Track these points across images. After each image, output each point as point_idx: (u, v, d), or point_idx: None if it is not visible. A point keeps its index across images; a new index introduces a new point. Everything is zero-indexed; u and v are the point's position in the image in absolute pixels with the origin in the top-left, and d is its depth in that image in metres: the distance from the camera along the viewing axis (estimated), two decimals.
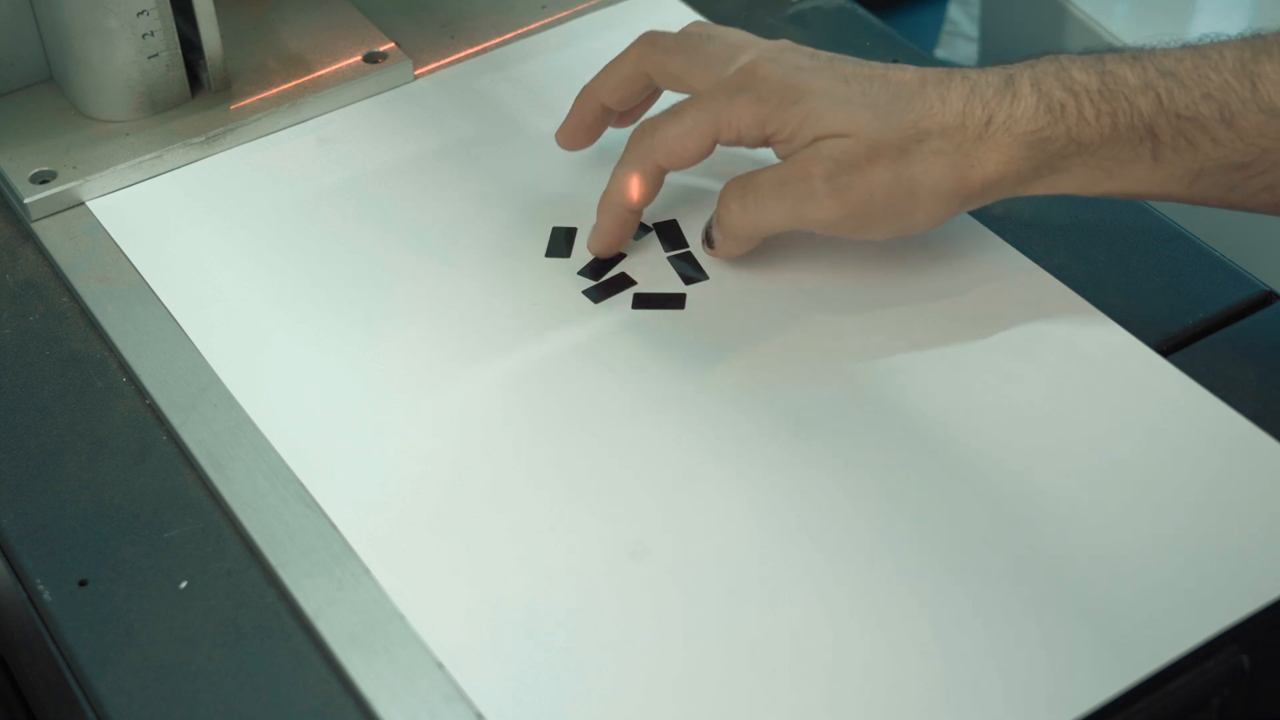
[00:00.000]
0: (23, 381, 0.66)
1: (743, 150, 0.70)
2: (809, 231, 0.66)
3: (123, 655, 0.57)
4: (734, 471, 0.61)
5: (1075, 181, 0.63)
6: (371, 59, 0.78)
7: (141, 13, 0.72)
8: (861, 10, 0.82)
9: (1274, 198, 0.62)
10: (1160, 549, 0.58)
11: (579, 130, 0.71)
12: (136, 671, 0.56)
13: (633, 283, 0.68)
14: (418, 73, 0.79)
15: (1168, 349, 0.65)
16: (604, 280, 0.68)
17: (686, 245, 0.70)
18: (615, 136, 0.71)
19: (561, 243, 0.70)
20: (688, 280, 0.68)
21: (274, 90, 0.76)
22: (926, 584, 0.57)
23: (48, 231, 0.72)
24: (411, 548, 0.59)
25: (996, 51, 1.15)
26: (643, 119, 0.67)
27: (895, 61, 0.75)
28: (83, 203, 0.73)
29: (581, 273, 0.69)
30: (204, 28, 0.74)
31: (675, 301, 0.68)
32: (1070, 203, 0.71)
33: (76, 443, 0.64)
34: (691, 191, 0.72)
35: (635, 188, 0.67)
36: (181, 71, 0.75)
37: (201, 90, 0.76)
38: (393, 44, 0.79)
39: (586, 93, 0.70)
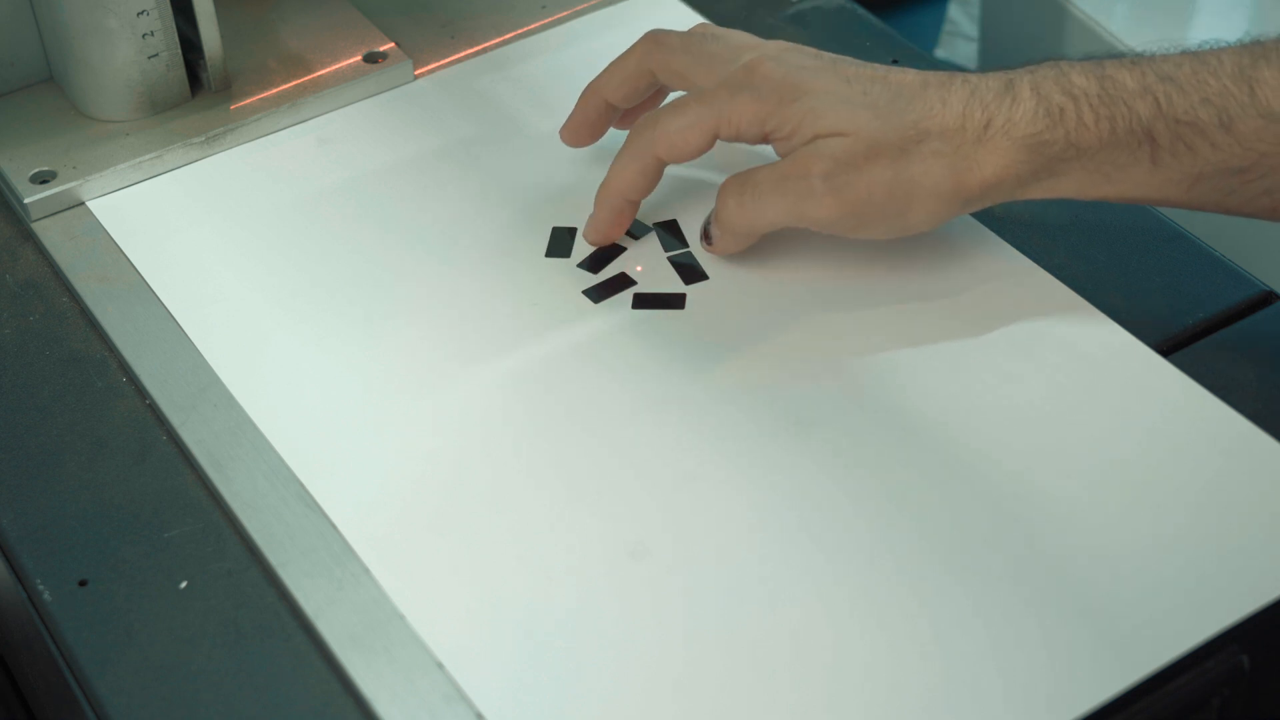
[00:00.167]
0: (23, 381, 0.66)
1: (743, 146, 0.70)
2: (807, 231, 0.66)
3: (123, 655, 0.57)
4: (734, 471, 0.61)
5: (1074, 185, 0.63)
6: (371, 59, 0.78)
7: (141, 13, 0.72)
8: (861, 10, 0.82)
9: (1272, 202, 0.62)
10: (1160, 549, 0.58)
11: (583, 127, 0.72)
12: (136, 671, 0.56)
13: (633, 283, 0.68)
14: (418, 73, 0.79)
15: (1168, 349, 0.65)
16: (604, 280, 0.68)
17: (686, 245, 0.70)
18: (616, 136, 0.71)
19: (562, 242, 0.70)
20: (688, 280, 0.68)
21: (274, 90, 0.76)
22: (926, 584, 0.57)
23: (48, 231, 0.72)
24: (411, 548, 0.59)
25: (996, 51, 1.15)
26: (645, 115, 0.68)
27: (895, 62, 0.75)
28: (83, 203, 0.73)
29: (581, 265, 0.69)
30: (204, 28, 0.74)
31: (675, 301, 0.68)
32: (1070, 203, 0.71)
33: (76, 443, 0.64)
34: (692, 191, 0.72)
35: (634, 179, 0.67)
36: (181, 71, 0.75)
37: (201, 90, 0.76)
38: (393, 44, 0.79)
39: (591, 90, 0.71)
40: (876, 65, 0.66)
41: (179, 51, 0.74)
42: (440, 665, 0.56)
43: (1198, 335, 0.66)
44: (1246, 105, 0.61)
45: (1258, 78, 0.61)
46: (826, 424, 0.62)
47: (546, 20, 0.81)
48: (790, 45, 0.67)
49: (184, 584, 0.59)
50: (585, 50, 0.79)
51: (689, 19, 0.80)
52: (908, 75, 0.65)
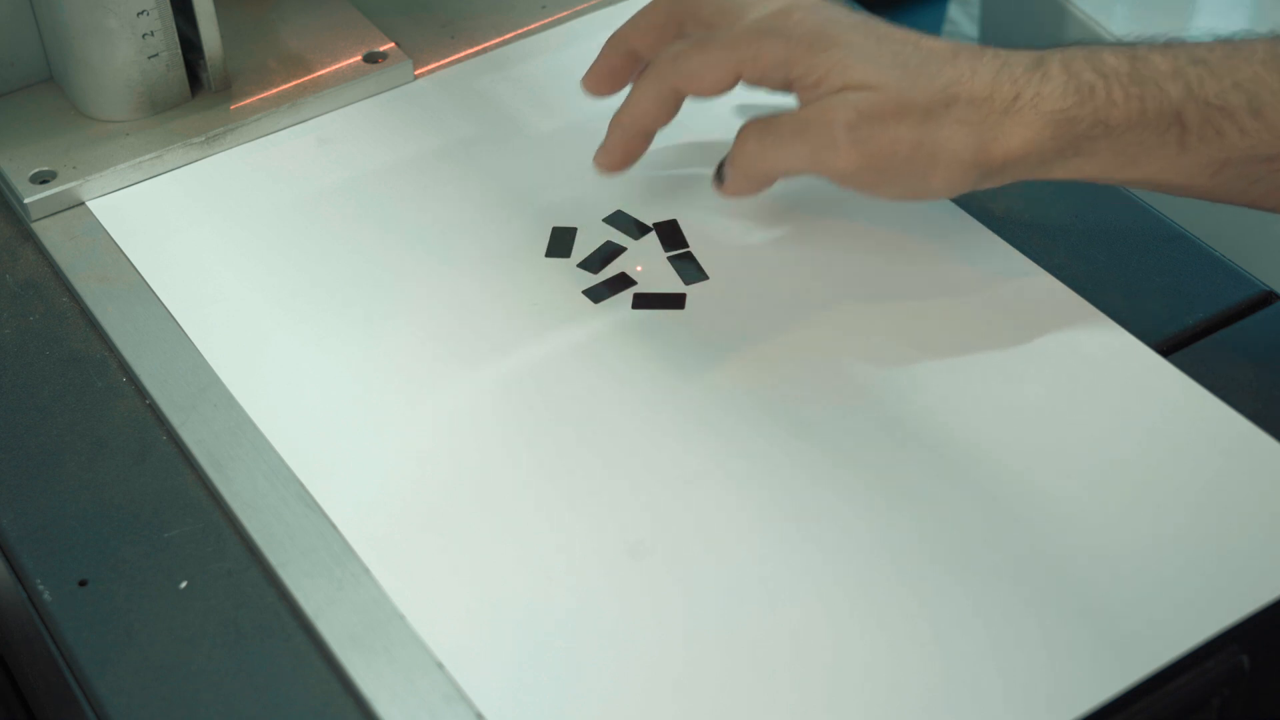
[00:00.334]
0: (23, 381, 0.66)
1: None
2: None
3: (123, 655, 0.57)
4: (734, 471, 0.61)
5: (1098, 165, 0.63)
6: (371, 59, 0.78)
7: (141, 13, 0.72)
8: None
9: None
10: (1160, 549, 0.58)
11: (605, 76, 0.70)
12: (136, 671, 0.56)
13: (633, 283, 0.68)
14: (418, 73, 0.79)
15: (1168, 349, 0.65)
16: (604, 280, 0.68)
17: (686, 245, 0.70)
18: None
19: (562, 242, 0.70)
20: (688, 280, 0.68)
21: (274, 90, 0.76)
22: (926, 584, 0.57)
23: (48, 231, 0.72)
24: (411, 548, 0.59)
25: None
26: (670, 45, 0.67)
27: None
28: (83, 203, 0.73)
29: (581, 265, 0.69)
30: (204, 28, 0.74)
31: (675, 301, 0.68)
32: (1070, 202, 0.71)
33: (76, 443, 0.64)
34: (692, 191, 0.72)
35: (649, 108, 0.66)
36: (181, 71, 0.75)
37: (201, 90, 0.76)
38: (393, 44, 0.79)
39: (616, 38, 0.70)
40: (908, 29, 0.65)
41: (179, 51, 0.74)
42: (440, 665, 0.56)
43: (1198, 335, 0.66)
44: (1277, 91, 0.61)
45: None
46: (826, 424, 0.62)
47: (546, 20, 0.81)
48: (824, 1, 0.66)
49: (184, 584, 0.59)
50: (585, 50, 0.79)
51: None
52: (939, 42, 0.64)
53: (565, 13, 0.81)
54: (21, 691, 0.72)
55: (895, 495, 0.60)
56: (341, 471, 0.62)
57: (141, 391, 0.65)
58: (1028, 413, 0.63)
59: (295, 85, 0.77)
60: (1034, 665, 0.55)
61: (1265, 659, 0.58)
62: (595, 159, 0.69)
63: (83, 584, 0.59)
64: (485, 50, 0.80)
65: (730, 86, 0.65)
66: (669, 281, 0.68)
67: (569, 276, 0.69)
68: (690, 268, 0.69)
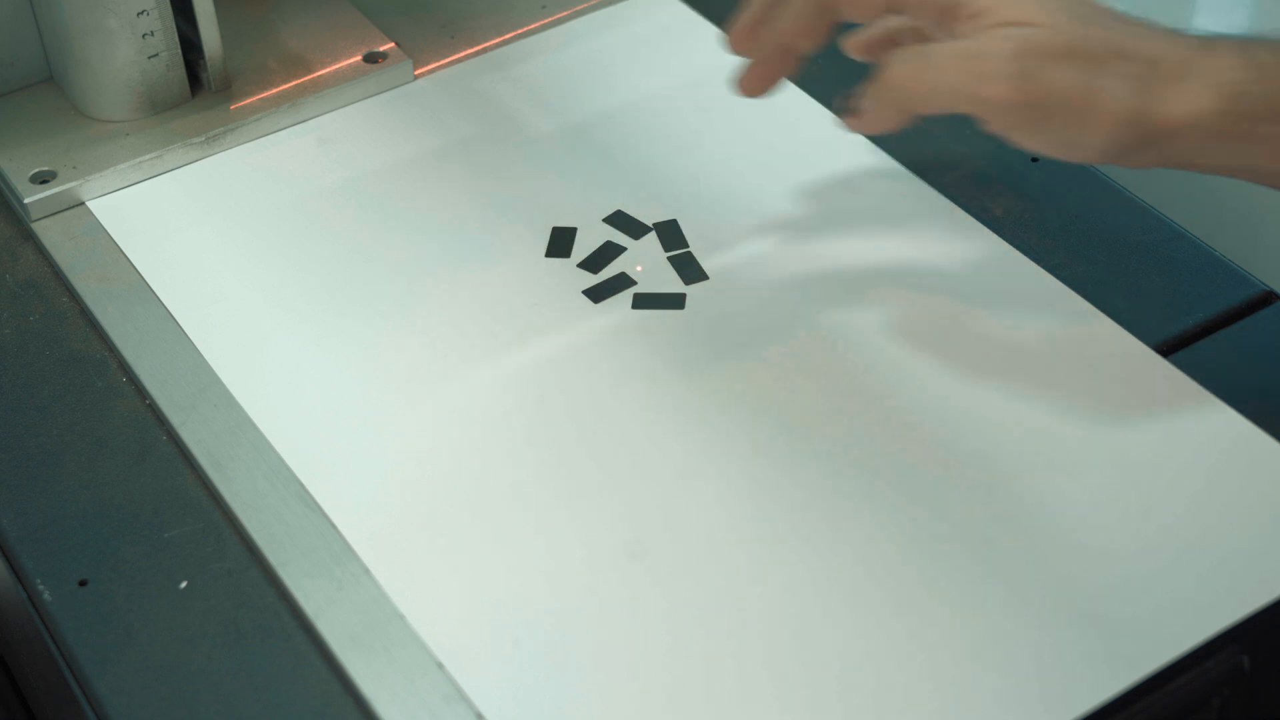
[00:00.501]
0: (23, 381, 0.66)
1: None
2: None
3: (123, 655, 0.57)
4: (733, 471, 0.61)
5: (1265, 153, 0.59)
6: (371, 59, 0.78)
7: (141, 13, 0.72)
8: None
9: None
10: (1160, 549, 0.58)
11: (762, 78, 0.66)
12: (136, 671, 0.56)
13: (633, 283, 0.68)
14: (418, 73, 0.79)
15: (1168, 349, 0.65)
16: (604, 280, 0.68)
17: (686, 245, 0.70)
18: (611, 144, 0.71)
19: (562, 242, 0.70)
20: (688, 280, 0.68)
21: (274, 90, 0.76)
22: (925, 584, 0.57)
23: (48, 231, 0.72)
24: (411, 548, 0.59)
25: None
26: None
27: None
28: (83, 203, 0.73)
29: (581, 265, 0.69)
30: (204, 28, 0.74)
31: (675, 301, 0.68)
32: (1070, 202, 0.71)
33: (76, 443, 0.64)
34: (692, 191, 0.72)
35: (795, 21, 0.62)
36: (181, 71, 0.75)
37: (201, 90, 0.76)
38: (393, 44, 0.79)
39: (755, 33, 0.64)
40: None
41: (179, 51, 0.74)
42: (440, 665, 0.56)
43: (1198, 335, 0.66)
44: None
45: None
46: (825, 424, 0.62)
47: (546, 20, 0.81)
48: None
49: (184, 584, 0.59)
50: (585, 50, 0.79)
51: (689, 19, 0.80)
52: (1110, 10, 0.60)
53: (565, 13, 0.81)
54: (21, 691, 0.72)
55: (895, 495, 0.60)
56: (341, 471, 0.62)
57: (141, 391, 0.65)
58: (1028, 412, 0.62)
59: (295, 85, 0.77)
60: (1034, 665, 0.55)
61: (1265, 659, 0.58)
62: (737, 83, 0.65)
63: (83, 584, 0.59)
64: (485, 50, 0.80)
65: (884, 8, 0.61)
66: (669, 281, 0.68)
67: (569, 276, 0.69)
68: (690, 268, 0.69)
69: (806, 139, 0.74)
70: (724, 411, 0.63)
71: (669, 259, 0.69)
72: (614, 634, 0.56)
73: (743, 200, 0.71)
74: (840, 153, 0.73)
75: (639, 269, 0.69)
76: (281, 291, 0.69)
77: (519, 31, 0.81)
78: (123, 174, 0.73)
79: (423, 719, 0.54)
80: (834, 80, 0.77)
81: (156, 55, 0.74)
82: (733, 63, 0.77)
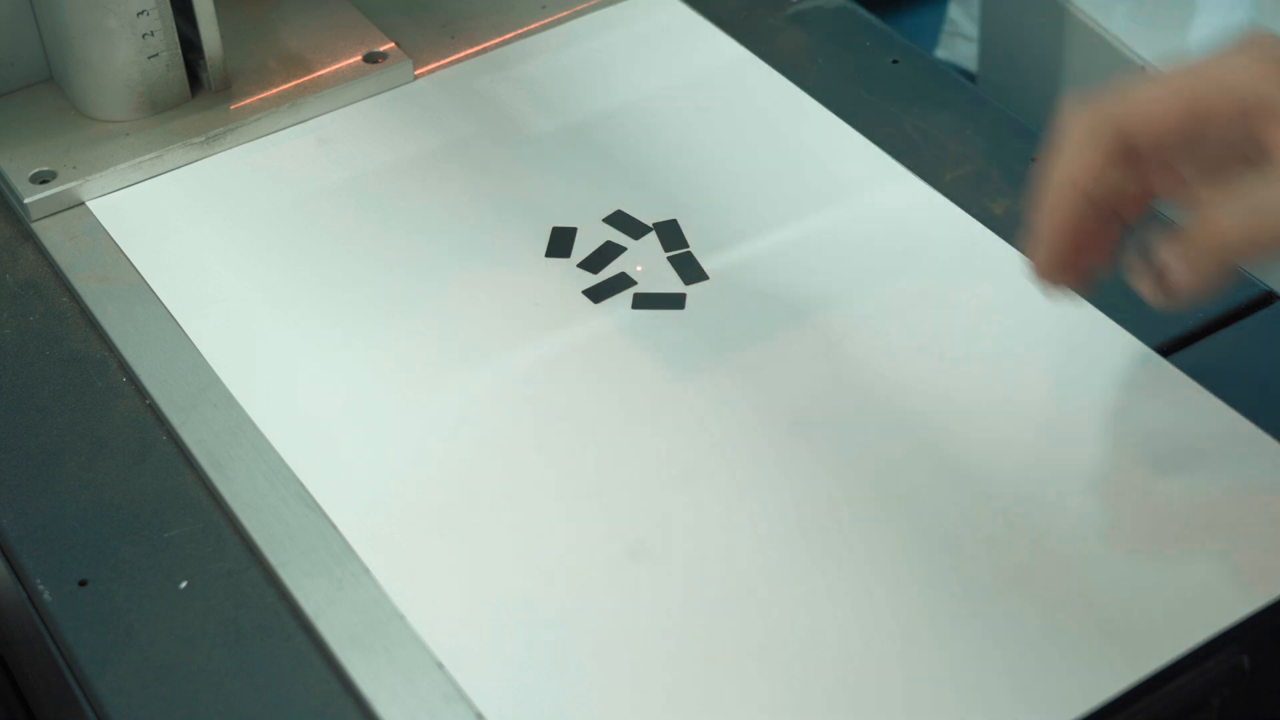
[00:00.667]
0: (23, 381, 0.66)
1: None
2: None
3: (123, 655, 0.57)
4: (734, 471, 0.61)
5: None
6: (371, 59, 0.78)
7: (141, 13, 0.72)
8: (861, 10, 0.82)
9: None
10: (1160, 549, 0.58)
11: (1071, 266, 0.55)
12: (136, 671, 0.56)
13: (633, 283, 0.68)
14: (418, 73, 0.79)
15: (1168, 349, 0.65)
16: (604, 280, 0.68)
17: (686, 245, 0.70)
18: (607, 137, 0.71)
19: (562, 243, 0.70)
20: (688, 280, 0.68)
21: (274, 90, 0.76)
22: (925, 584, 0.57)
23: (48, 231, 0.72)
24: (411, 548, 0.59)
25: (996, 52, 1.15)
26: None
27: (895, 62, 0.75)
28: (83, 203, 0.73)
29: (581, 265, 0.69)
30: (204, 28, 0.74)
31: (675, 301, 0.68)
32: None
33: (76, 443, 0.64)
34: (692, 191, 0.72)
35: (1090, 161, 0.53)
36: (181, 71, 0.75)
37: (201, 90, 0.76)
38: (393, 44, 0.79)
39: (1057, 186, 0.54)
40: None
41: (179, 51, 0.74)
42: (440, 665, 0.56)
43: (1198, 335, 0.66)
44: None
45: None
46: (826, 424, 0.62)
47: (546, 20, 0.81)
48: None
49: (184, 584, 0.59)
50: (585, 50, 0.79)
51: (689, 19, 0.80)
52: None
53: (565, 13, 0.81)
54: (21, 691, 0.72)
55: (895, 495, 0.60)
56: (341, 471, 0.62)
57: (141, 391, 0.65)
58: (1028, 412, 0.63)
59: (295, 85, 0.77)
60: (1034, 665, 0.55)
61: (1265, 659, 0.58)
62: (1036, 264, 0.55)
63: (83, 584, 0.59)
64: (485, 50, 0.80)
65: (1185, 133, 0.52)
66: (669, 281, 0.68)
67: (569, 276, 0.69)
68: (690, 268, 0.69)
69: (807, 139, 0.74)
70: (724, 411, 0.63)
71: (669, 259, 0.69)
72: (615, 634, 0.56)
73: (743, 200, 0.71)
74: (840, 153, 0.73)
75: (639, 269, 0.69)
76: (282, 291, 0.69)
77: (519, 31, 0.81)
78: (123, 174, 0.73)
79: (423, 719, 0.54)
80: (834, 80, 0.77)
81: (156, 55, 0.74)
82: (733, 64, 0.77)
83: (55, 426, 0.64)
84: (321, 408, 0.64)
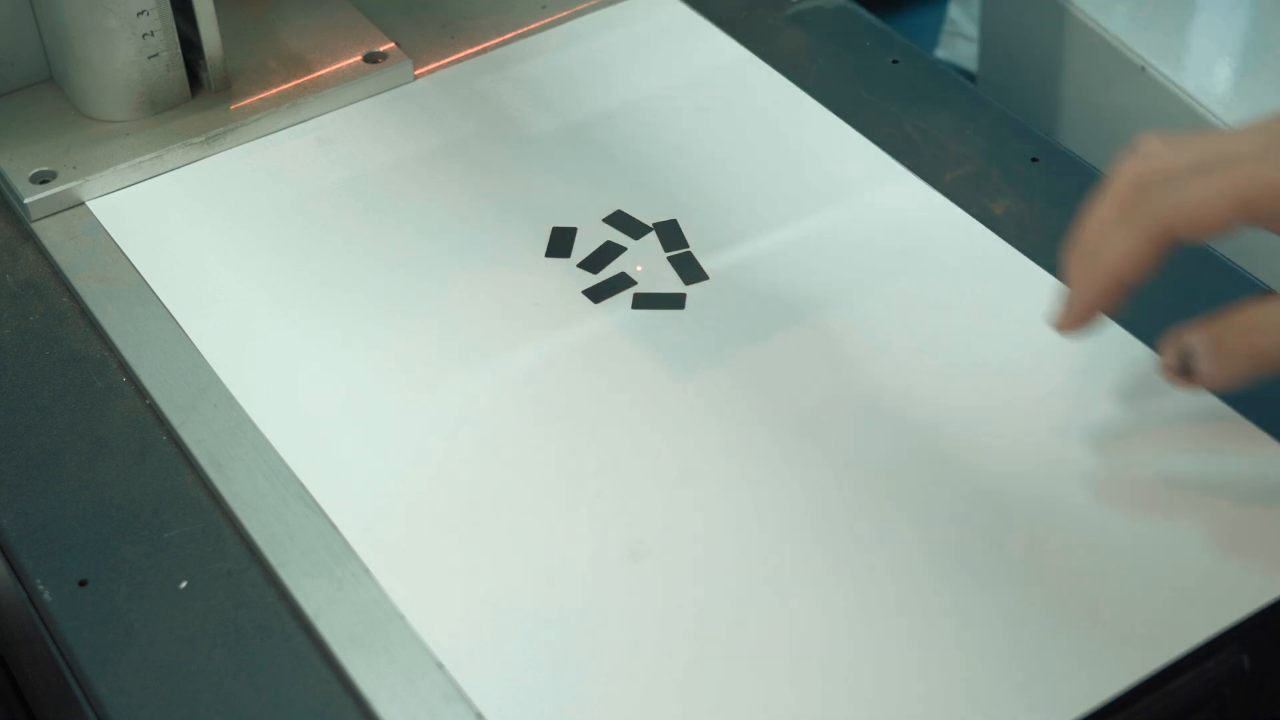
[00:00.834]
0: (23, 381, 0.66)
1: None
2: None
3: (123, 655, 0.57)
4: (734, 471, 0.61)
5: None
6: (371, 59, 0.78)
7: (141, 13, 0.72)
8: (861, 10, 0.82)
9: None
10: (1160, 549, 0.58)
11: (1085, 315, 0.57)
12: (136, 671, 0.56)
13: (633, 283, 0.68)
14: (418, 73, 0.79)
15: None
16: (604, 280, 0.68)
17: (686, 245, 0.70)
18: (611, 140, 0.71)
19: (562, 243, 0.70)
20: (688, 280, 0.68)
21: (274, 90, 0.76)
22: (926, 584, 0.57)
23: (48, 231, 0.72)
24: (412, 547, 0.59)
25: (996, 52, 1.15)
26: (1144, 171, 0.54)
27: (895, 62, 0.75)
28: (83, 203, 0.73)
29: (581, 265, 0.69)
30: (204, 28, 0.74)
31: (675, 301, 0.68)
32: (1070, 202, 0.71)
33: (76, 443, 0.64)
34: (692, 191, 0.72)
35: (1136, 257, 0.53)
36: (181, 71, 0.75)
37: (201, 90, 0.76)
38: (393, 44, 0.79)
39: (1092, 274, 0.55)
40: None
41: (179, 51, 0.74)
42: (440, 665, 0.56)
43: None
44: None
45: None
46: (827, 424, 0.62)
47: (546, 20, 0.81)
48: None
49: (184, 584, 0.59)
50: (585, 50, 0.79)
51: (689, 19, 0.80)
52: None
53: (565, 13, 0.81)
54: (21, 691, 0.72)
55: (895, 495, 0.60)
56: (341, 471, 0.62)
57: (141, 391, 0.65)
58: (1027, 413, 0.63)
59: (295, 85, 0.77)
60: (1033, 665, 0.55)
61: (1265, 659, 0.58)
62: (1057, 322, 0.57)
63: (83, 584, 0.59)
64: (485, 50, 0.80)
65: (1233, 226, 0.53)
66: (669, 281, 0.68)
67: (569, 276, 0.69)
68: (690, 268, 0.69)
69: (807, 139, 0.74)
70: (724, 411, 0.63)
71: (669, 259, 0.69)
72: (615, 634, 0.56)
73: (743, 200, 0.71)
74: (840, 153, 0.73)
75: (639, 269, 0.69)
76: (281, 291, 0.69)
77: (519, 31, 0.81)
78: (123, 174, 0.73)
79: (422, 719, 0.54)
80: (833, 81, 0.77)
81: (156, 55, 0.74)
82: (733, 64, 0.77)
83: (55, 426, 0.64)
84: (321, 408, 0.64)
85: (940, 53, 1.24)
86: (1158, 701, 0.55)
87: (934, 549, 0.58)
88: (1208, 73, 0.92)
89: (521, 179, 0.73)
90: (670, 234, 0.70)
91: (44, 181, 0.72)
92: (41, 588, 0.59)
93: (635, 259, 0.69)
